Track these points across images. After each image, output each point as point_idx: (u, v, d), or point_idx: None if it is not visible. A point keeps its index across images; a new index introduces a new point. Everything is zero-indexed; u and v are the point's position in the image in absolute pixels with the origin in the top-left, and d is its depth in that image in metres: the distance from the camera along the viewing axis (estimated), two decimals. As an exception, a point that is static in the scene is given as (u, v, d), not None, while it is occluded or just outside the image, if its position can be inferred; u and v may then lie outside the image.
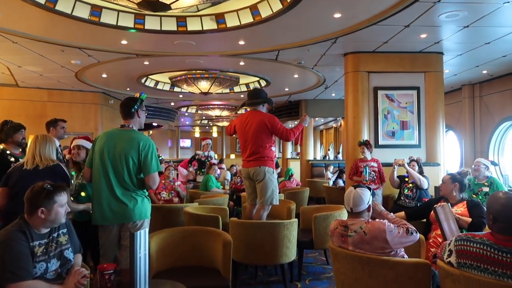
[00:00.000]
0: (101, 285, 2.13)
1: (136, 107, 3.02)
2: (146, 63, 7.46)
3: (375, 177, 5.88)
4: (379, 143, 6.48)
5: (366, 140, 6.12)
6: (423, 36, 5.76)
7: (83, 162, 3.53)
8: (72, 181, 3.46)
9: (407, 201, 5.27)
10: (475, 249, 2.05)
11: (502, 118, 8.75)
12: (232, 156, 23.10)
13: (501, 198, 2.07)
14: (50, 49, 6.38)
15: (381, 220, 2.57)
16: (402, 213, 3.78)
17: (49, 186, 2.22)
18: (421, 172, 5.40)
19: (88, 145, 3.59)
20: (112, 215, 2.87)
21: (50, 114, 9.88)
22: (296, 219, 4.07)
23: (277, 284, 4.27)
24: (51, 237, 2.24)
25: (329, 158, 16.13)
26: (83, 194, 3.40)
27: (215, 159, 8.24)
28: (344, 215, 4.34)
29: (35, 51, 6.53)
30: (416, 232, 2.53)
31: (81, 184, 3.44)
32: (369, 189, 2.77)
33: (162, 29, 5.61)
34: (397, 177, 5.54)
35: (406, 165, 5.31)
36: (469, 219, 3.24)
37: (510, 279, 1.90)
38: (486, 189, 4.69)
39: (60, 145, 4.66)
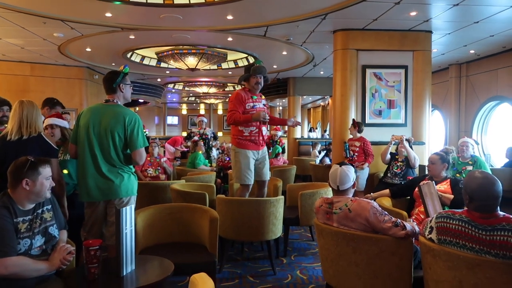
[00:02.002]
0: (87, 261, 2.13)
1: (118, 81, 2.95)
2: (132, 37, 7.29)
3: (354, 157, 5.95)
4: (366, 122, 6.52)
5: (352, 119, 6.17)
6: (413, 14, 5.72)
7: (59, 140, 3.46)
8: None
9: (394, 178, 5.36)
10: (454, 226, 2.10)
11: (487, 98, 8.87)
12: (220, 133, 23.02)
13: (477, 178, 2.08)
14: (31, 21, 6.17)
15: (368, 200, 2.60)
16: (387, 191, 3.86)
17: (32, 159, 2.19)
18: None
19: (61, 122, 3.49)
20: (98, 192, 2.85)
21: (33, 88, 9.67)
22: (283, 197, 4.11)
23: (263, 260, 4.34)
24: (35, 214, 2.22)
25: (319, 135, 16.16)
26: (65, 171, 3.34)
27: (212, 136, 8.12)
28: (329, 192, 4.40)
29: (16, 23, 6.31)
30: (404, 229, 2.42)
31: (62, 161, 3.37)
32: (351, 165, 2.80)
33: (148, 1, 5.45)
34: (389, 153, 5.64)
35: (405, 142, 5.37)
36: (451, 196, 3.31)
37: (487, 255, 1.96)
38: (470, 167, 4.79)
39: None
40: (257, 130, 4.15)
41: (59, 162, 3.35)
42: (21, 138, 2.82)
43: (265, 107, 4.26)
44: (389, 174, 5.49)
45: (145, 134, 3.18)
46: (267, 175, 4.38)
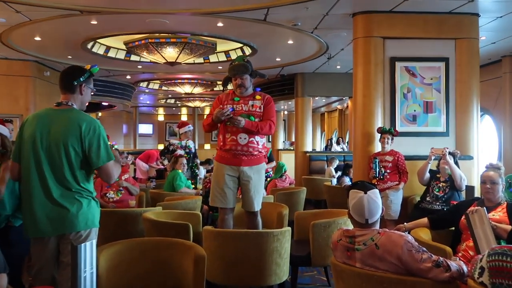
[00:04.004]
0: (33, 315, 2.11)
1: (81, 79, 2.97)
2: (94, 22, 7.33)
3: (385, 175, 5.98)
4: (397, 130, 6.51)
5: (393, 129, 6.19)
6: (454, -8, 5.79)
7: None
8: None
9: (434, 203, 5.36)
10: (512, 265, 2.09)
11: (552, 99, 8.92)
12: (207, 146, 23.07)
13: None
14: (-37, 2, 6.21)
15: (402, 233, 2.59)
16: (425, 220, 3.85)
17: None
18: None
19: (2, 129, 3.50)
20: (49, 224, 2.83)
21: (-36, 89, 9.67)
22: (290, 228, 4.09)
23: (265, 311, 4.31)
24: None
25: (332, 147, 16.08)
26: None
27: (194, 150, 8.10)
28: (350, 223, 4.38)
29: None
30: (448, 270, 2.40)
31: None
32: (375, 186, 2.81)
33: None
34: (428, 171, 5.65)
35: (448, 157, 5.38)
36: (509, 227, 3.30)
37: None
38: (532, 188, 4.79)
39: None
40: (232, 137, 4.24)
41: None
42: None
43: (254, 110, 4.32)
44: (428, 198, 5.49)
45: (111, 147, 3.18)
46: (253, 205, 4.36)
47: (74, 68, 3.07)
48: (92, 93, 3.13)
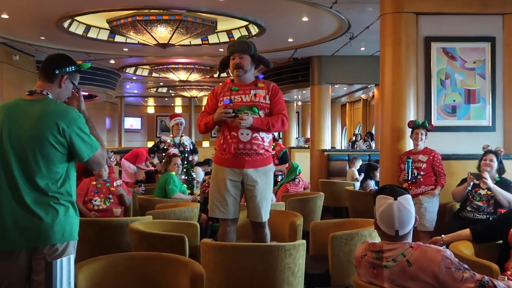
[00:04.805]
0: None
1: (66, 70, 2.99)
2: (71, -3, 7.38)
3: (418, 177, 5.96)
4: (433, 123, 6.49)
5: (428, 123, 6.15)
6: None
7: None
8: None
9: (476, 213, 5.33)
10: None
11: None
12: (206, 143, 23.11)
13: None
14: None
15: (439, 248, 2.58)
16: (467, 231, 3.84)
17: None
18: (501, 171, 5.45)
19: None
20: (19, 235, 2.83)
21: None
22: (304, 241, 4.09)
23: None
24: None
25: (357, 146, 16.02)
26: None
27: (191, 148, 8.11)
28: (376, 234, 4.37)
29: None
30: None
31: None
32: (407, 191, 2.80)
33: None
34: None
35: (490, 182, 5.30)
36: None
37: None
38: None
39: None
40: (233, 133, 4.20)
41: None
42: None
43: (257, 100, 4.27)
44: (469, 208, 5.46)
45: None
46: (260, 214, 4.34)
47: (62, 55, 3.10)
48: (73, 90, 3.13)
